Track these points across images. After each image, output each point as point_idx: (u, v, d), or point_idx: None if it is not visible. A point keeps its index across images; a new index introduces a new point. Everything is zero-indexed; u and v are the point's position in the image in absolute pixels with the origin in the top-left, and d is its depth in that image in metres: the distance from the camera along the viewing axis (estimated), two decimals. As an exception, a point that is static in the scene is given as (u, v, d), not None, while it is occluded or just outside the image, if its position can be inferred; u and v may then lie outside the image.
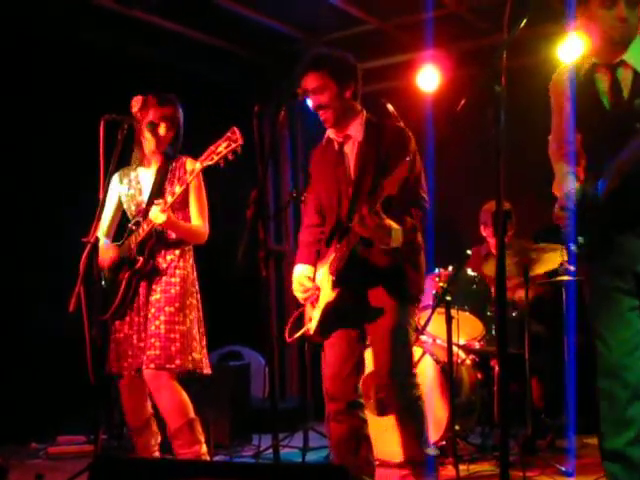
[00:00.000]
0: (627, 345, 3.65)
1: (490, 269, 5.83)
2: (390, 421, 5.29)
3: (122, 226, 5.10)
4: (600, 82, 3.71)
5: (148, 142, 4.95)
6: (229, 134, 4.47)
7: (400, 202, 4.10)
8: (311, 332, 4.47)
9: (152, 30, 7.22)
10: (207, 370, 4.93)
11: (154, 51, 7.47)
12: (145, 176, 5.03)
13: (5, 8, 6.25)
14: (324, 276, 4.37)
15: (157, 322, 4.78)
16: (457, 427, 5.46)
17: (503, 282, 2.72)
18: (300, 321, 4.59)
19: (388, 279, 4.27)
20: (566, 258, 5.84)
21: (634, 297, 3.63)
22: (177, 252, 4.92)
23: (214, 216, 5.13)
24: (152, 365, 4.71)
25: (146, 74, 7.21)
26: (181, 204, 4.89)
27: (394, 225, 4.09)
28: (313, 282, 4.43)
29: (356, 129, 4.41)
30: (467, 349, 6.14)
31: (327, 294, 4.32)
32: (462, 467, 5.26)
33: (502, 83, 2.79)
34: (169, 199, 4.68)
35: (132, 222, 4.94)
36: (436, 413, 5.51)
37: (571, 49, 6.91)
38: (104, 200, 4.66)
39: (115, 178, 5.00)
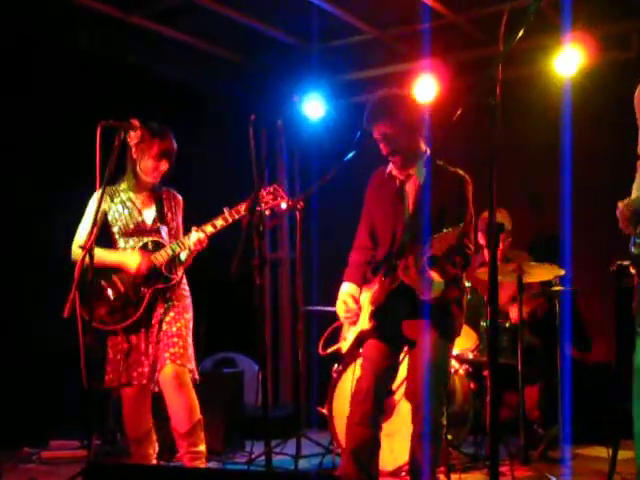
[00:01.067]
0: None
1: (484, 275, 5.84)
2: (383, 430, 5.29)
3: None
4: None
5: (147, 174, 5.08)
6: (271, 189, 4.87)
7: (446, 257, 4.21)
8: (343, 351, 4.62)
9: (149, 36, 7.24)
10: (197, 376, 5.06)
11: (151, 57, 7.48)
12: (139, 200, 5.15)
13: (1, 10, 6.26)
14: (365, 302, 4.50)
15: (178, 324, 4.96)
16: (450, 436, 5.47)
17: (495, 294, 2.72)
18: (336, 335, 4.73)
19: (433, 313, 4.34)
20: (561, 273, 5.87)
21: None
22: (182, 270, 5.14)
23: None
24: (179, 361, 4.85)
25: (142, 79, 7.24)
26: (176, 231, 5.17)
27: (436, 278, 4.24)
28: (357, 303, 4.53)
29: (419, 170, 4.49)
30: (461, 359, 6.15)
31: (364, 322, 4.45)
32: (454, 476, 5.27)
33: (497, 96, 2.79)
34: (210, 229, 4.97)
35: (146, 241, 5.04)
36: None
37: (567, 61, 6.95)
38: (99, 207, 4.67)
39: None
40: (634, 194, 3.91)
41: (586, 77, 6.99)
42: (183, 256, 5.08)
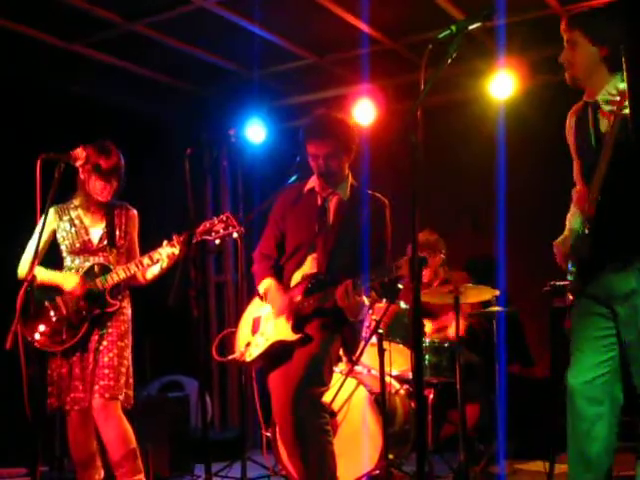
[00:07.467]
0: (589, 372, 3.81)
1: (425, 297, 5.96)
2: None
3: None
4: (589, 118, 3.91)
5: (97, 194, 5.10)
6: (224, 217, 4.75)
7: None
8: (248, 359, 4.62)
9: (91, 65, 7.29)
10: (132, 401, 5.10)
11: (93, 86, 7.53)
12: (88, 218, 5.17)
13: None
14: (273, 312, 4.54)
15: (110, 354, 4.96)
16: (391, 456, 5.54)
17: (419, 325, 2.83)
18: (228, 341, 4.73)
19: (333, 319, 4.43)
20: (496, 294, 6.00)
21: (609, 321, 3.81)
22: (124, 293, 5.16)
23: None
24: (107, 395, 4.88)
25: (84, 108, 7.26)
26: (128, 249, 5.23)
27: (365, 302, 4.36)
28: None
29: (343, 190, 4.60)
30: (401, 379, 6.23)
31: (284, 332, 4.45)
32: (395, 495, 5.35)
33: (418, 135, 2.90)
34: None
35: (93, 263, 5.07)
36: (370, 443, 5.60)
37: (501, 85, 7.14)
38: (40, 237, 4.73)
39: (52, 213, 5.12)
40: (567, 226, 4.09)
41: (519, 100, 7.18)
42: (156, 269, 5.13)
